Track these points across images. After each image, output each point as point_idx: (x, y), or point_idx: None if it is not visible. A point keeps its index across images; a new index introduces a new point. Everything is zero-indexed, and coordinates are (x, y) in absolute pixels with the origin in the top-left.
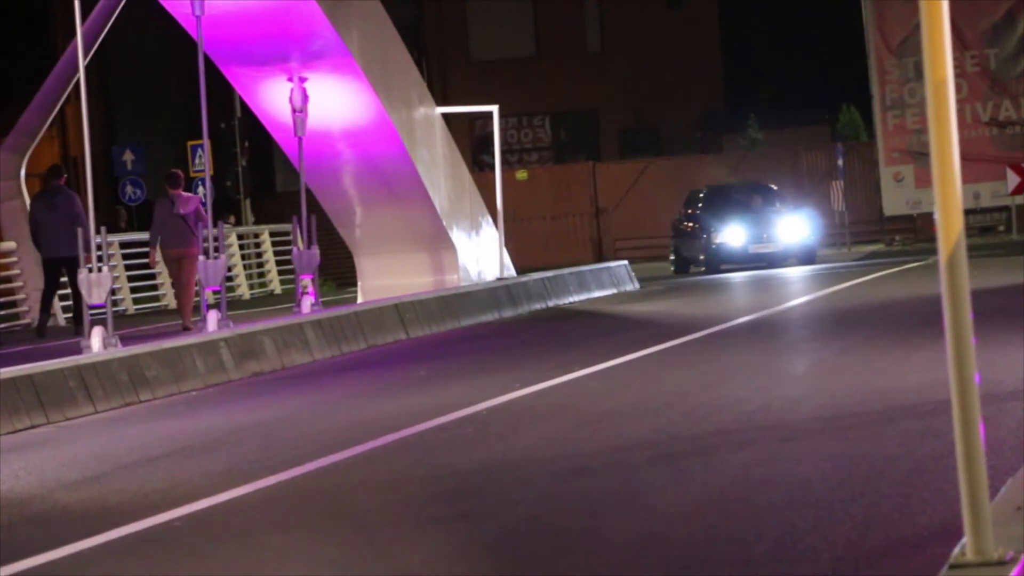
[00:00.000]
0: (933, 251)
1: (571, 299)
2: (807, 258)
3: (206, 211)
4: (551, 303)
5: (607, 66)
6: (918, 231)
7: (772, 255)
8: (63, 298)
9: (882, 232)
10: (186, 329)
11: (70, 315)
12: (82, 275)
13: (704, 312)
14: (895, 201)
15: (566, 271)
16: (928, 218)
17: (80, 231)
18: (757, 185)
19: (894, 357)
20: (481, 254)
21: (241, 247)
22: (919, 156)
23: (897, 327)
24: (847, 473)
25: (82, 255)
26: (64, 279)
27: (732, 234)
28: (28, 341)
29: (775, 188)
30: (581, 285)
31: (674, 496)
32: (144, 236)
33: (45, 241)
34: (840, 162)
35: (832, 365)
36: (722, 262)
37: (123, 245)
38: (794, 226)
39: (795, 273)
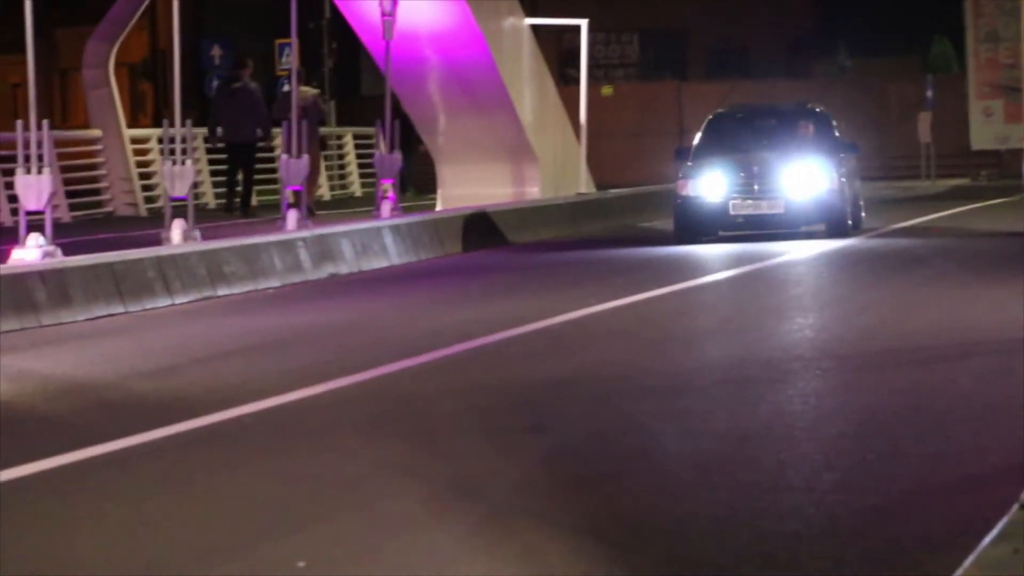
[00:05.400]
0: (1019, 187)
1: (650, 217)
2: (838, 226)
3: (323, 106)
4: (629, 220)
5: None
6: (1004, 166)
7: (768, 219)
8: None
9: (968, 167)
10: (310, 215)
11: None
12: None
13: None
14: (983, 136)
15: (646, 189)
16: (1016, 154)
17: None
18: (791, 108)
19: (973, 293)
20: (562, 168)
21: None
22: (1010, 91)
23: (978, 263)
24: (919, 407)
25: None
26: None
27: (707, 184)
28: (109, 228)
29: (820, 111)
30: (661, 204)
31: (742, 419)
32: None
33: (226, 127)
34: (929, 93)
35: (909, 298)
36: (692, 226)
37: (207, 138)
38: (812, 174)
39: (799, 256)
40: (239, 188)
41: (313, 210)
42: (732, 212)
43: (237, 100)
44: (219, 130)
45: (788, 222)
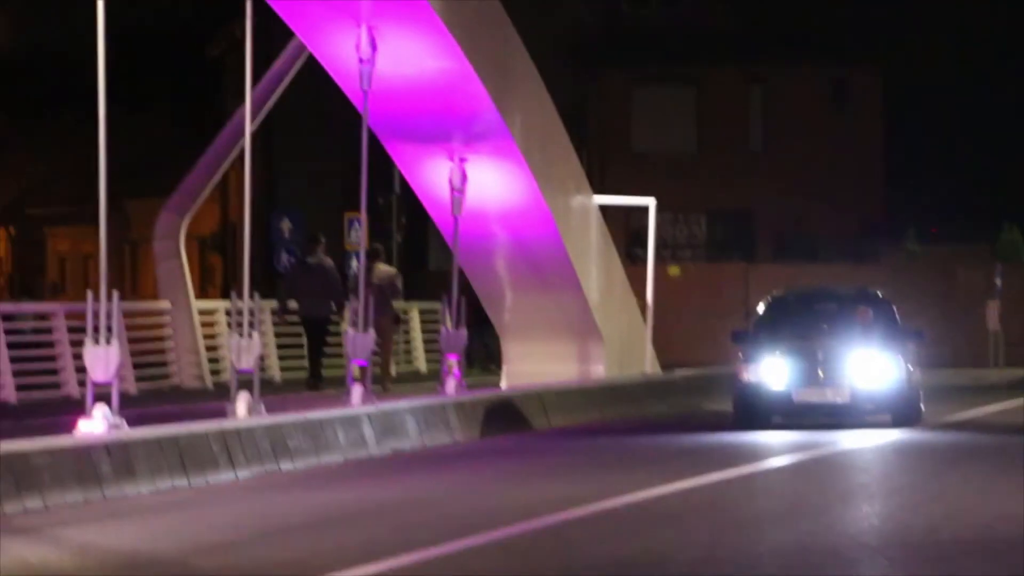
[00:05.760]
0: None
1: (716, 399)
2: (904, 415)
3: (400, 285)
4: (695, 401)
5: (767, 166)
6: None
7: (832, 408)
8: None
9: None
10: (384, 389)
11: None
12: (347, 333)
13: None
14: None
15: (712, 370)
16: None
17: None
18: (851, 293)
19: None
20: (627, 347)
21: None
22: None
23: None
24: None
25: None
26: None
27: (769, 370)
28: (174, 400)
29: (881, 296)
30: (726, 385)
31: None
32: (295, 305)
33: (302, 302)
34: (998, 281)
35: (977, 488)
36: (753, 412)
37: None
38: (878, 363)
39: (862, 444)
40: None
41: (388, 386)
42: (796, 400)
43: (312, 275)
44: (290, 304)
45: (854, 411)
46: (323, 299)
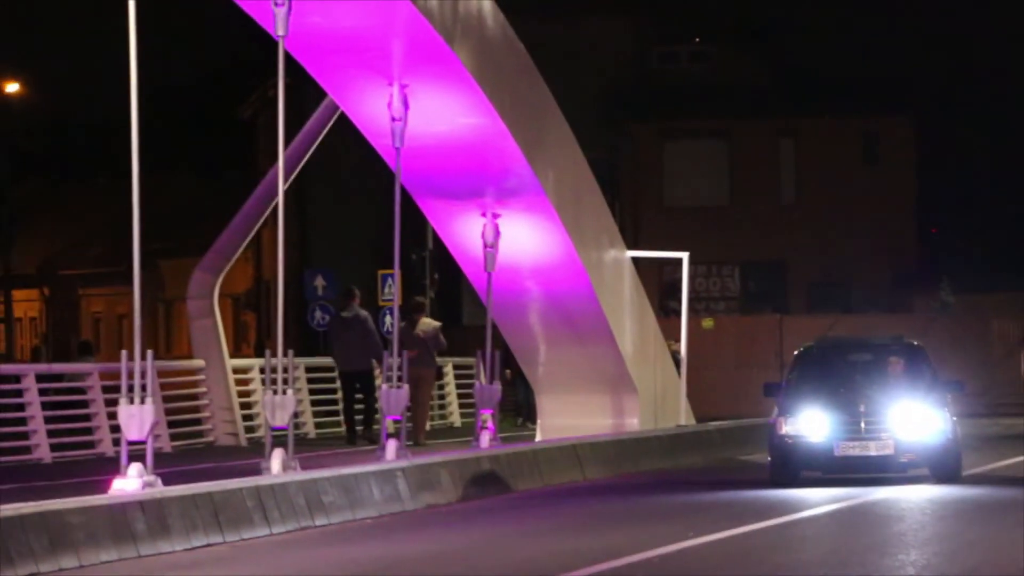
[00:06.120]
0: None
1: (750, 451)
2: (945, 469)
3: (443, 339)
4: (729, 453)
5: (799, 218)
6: None
7: (875, 461)
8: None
9: None
10: (419, 444)
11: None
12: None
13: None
14: None
15: (746, 422)
16: None
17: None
18: (885, 342)
19: None
20: (662, 399)
21: None
22: None
23: None
24: None
25: (374, 370)
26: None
27: (808, 423)
28: (209, 458)
29: (916, 345)
30: (761, 437)
31: None
32: (328, 360)
33: (340, 356)
34: None
35: (1013, 535)
36: (792, 467)
37: (308, 368)
38: (921, 415)
39: (903, 495)
40: (359, 416)
41: (421, 440)
42: (837, 453)
43: (349, 329)
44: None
45: (896, 464)
46: (361, 352)
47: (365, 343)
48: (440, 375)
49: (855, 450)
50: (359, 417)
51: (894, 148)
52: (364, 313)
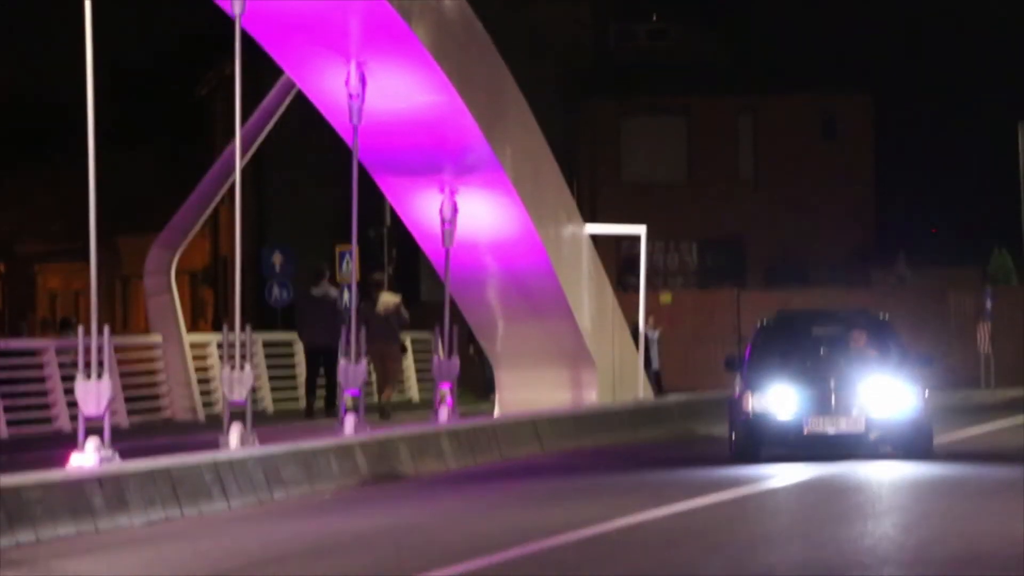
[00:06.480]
0: None
1: (708, 424)
2: (915, 446)
3: (405, 313)
4: (688, 427)
5: (758, 194)
6: None
7: (845, 438)
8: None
9: None
10: (383, 409)
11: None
12: (340, 364)
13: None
14: None
15: (705, 395)
16: None
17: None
18: (850, 316)
19: None
20: (620, 374)
21: None
22: None
23: None
24: None
25: (340, 347)
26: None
27: (776, 398)
28: (167, 433)
29: (882, 319)
30: (719, 410)
31: None
32: (286, 336)
33: (307, 333)
34: (988, 304)
35: (969, 507)
36: (757, 444)
37: (266, 344)
38: (893, 390)
39: (864, 469)
40: (324, 391)
41: (388, 413)
42: (807, 430)
43: (319, 307)
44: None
45: (868, 441)
46: (329, 330)
47: (334, 321)
48: (404, 350)
49: (825, 427)
50: (324, 393)
51: (852, 125)
52: (335, 292)
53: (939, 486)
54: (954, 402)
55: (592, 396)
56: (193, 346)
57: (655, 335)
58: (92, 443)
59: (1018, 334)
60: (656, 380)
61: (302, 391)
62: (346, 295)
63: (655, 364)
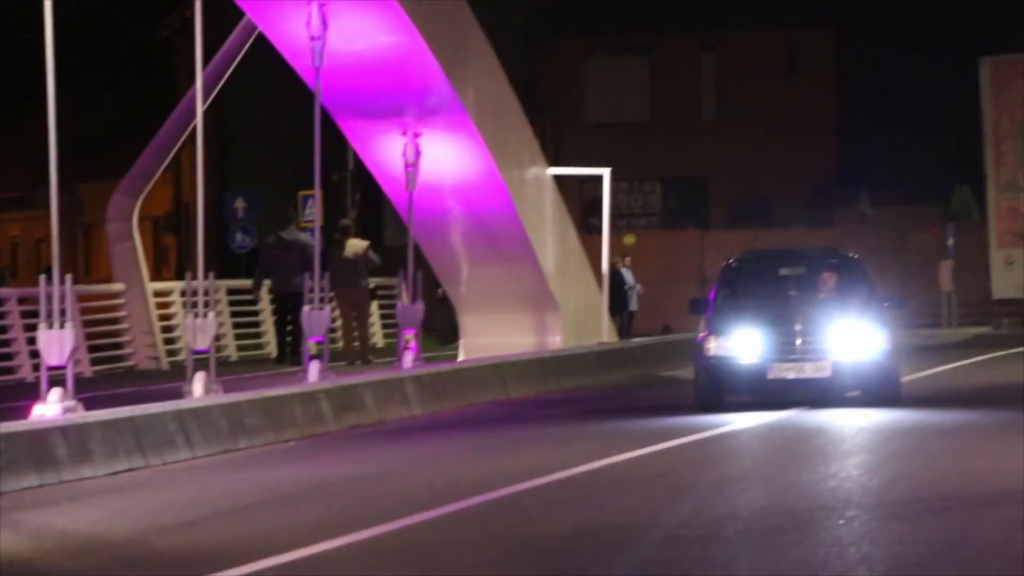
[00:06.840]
0: None
1: (673, 366)
2: (883, 391)
3: (375, 257)
4: (652, 369)
5: (721, 133)
6: None
7: (810, 384)
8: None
9: (990, 315)
10: (367, 364)
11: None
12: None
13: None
14: (1005, 284)
15: (669, 338)
16: None
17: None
18: (819, 254)
19: (996, 441)
20: (584, 317)
21: None
22: None
23: (1000, 411)
24: (943, 557)
25: (306, 293)
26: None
27: (739, 342)
28: (130, 382)
29: (852, 258)
30: (683, 353)
31: (764, 569)
32: (249, 282)
33: (276, 278)
34: (950, 241)
35: (932, 447)
36: (720, 390)
37: (229, 291)
38: (860, 333)
39: (826, 411)
40: (290, 338)
41: (369, 358)
42: (771, 376)
43: (290, 252)
44: (267, 282)
45: (834, 387)
46: (298, 275)
47: (303, 267)
48: (374, 295)
49: (789, 372)
50: (289, 339)
51: (815, 62)
52: (306, 237)
53: (903, 428)
54: (915, 342)
55: (556, 340)
56: (156, 294)
57: (632, 279)
58: (55, 393)
59: (980, 270)
60: (629, 321)
61: (267, 338)
62: (311, 239)
63: (632, 305)
